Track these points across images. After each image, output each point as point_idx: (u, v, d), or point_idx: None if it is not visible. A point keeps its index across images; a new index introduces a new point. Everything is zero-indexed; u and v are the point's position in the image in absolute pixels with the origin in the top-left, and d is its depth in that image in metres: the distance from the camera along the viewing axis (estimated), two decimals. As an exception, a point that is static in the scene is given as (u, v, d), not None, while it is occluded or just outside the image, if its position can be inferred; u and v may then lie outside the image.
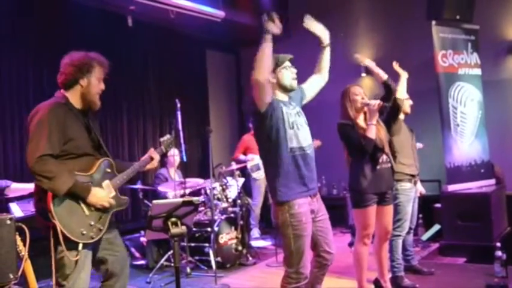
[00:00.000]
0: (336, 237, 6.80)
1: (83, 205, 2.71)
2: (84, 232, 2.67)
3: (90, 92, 2.84)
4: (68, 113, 2.75)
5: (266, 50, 2.86)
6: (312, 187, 3.11)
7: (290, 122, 3.04)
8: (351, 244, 5.97)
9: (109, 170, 2.90)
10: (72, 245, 2.65)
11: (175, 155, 6.26)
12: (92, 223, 2.72)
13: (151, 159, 3.12)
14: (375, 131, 3.75)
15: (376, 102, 3.73)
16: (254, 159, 7.03)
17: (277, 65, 3.10)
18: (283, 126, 3.02)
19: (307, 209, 3.06)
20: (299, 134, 3.07)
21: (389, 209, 3.97)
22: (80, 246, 2.66)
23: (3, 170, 5.57)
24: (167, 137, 3.36)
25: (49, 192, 2.59)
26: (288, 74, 3.12)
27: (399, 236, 4.34)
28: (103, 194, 2.78)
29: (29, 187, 3.92)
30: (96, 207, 2.74)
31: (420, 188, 4.87)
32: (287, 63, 3.15)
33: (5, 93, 5.76)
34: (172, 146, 3.40)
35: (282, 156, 3.02)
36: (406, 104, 4.57)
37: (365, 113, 3.87)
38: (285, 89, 3.15)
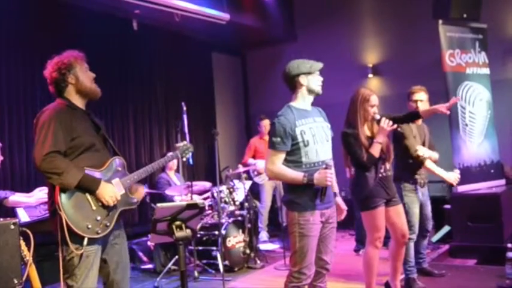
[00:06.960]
0: (344, 240, 6.77)
1: (90, 200, 2.72)
2: (90, 226, 2.67)
3: (82, 83, 2.89)
4: (72, 112, 2.81)
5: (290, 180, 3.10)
6: (324, 205, 3.10)
7: (305, 140, 3.08)
8: (356, 250, 5.91)
9: (120, 169, 2.93)
10: (77, 240, 2.65)
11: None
12: (99, 218, 2.72)
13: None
14: (379, 150, 3.70)
15: (388, 122, 3.67)
16: (257, 164, 7.02)
17: (310, 72, 3.19)
18: (298, 144, 3.08)
19: (318, 210, 3.08)
20: (313, 148, 3.09)
21: (398, 209, 3.88)
22: (85, 241, 2.65)
23: (10, 178, 5.56)
24: (183, 143, 3.33)
25: (57, 187, 2.62)
26: (316, 81, 3.22)
27: (410, 239, 4.24)
28: (112, 189, 2.78)
29: (28, 200, 3.76)
30: (104, 204, 2.74)
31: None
32: (317, 72, 3.23)
33: (11, 97, 5.75)
34: (188, 152, 3.33)
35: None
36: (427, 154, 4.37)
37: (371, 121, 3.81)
38: (311, 92, 3.22)
